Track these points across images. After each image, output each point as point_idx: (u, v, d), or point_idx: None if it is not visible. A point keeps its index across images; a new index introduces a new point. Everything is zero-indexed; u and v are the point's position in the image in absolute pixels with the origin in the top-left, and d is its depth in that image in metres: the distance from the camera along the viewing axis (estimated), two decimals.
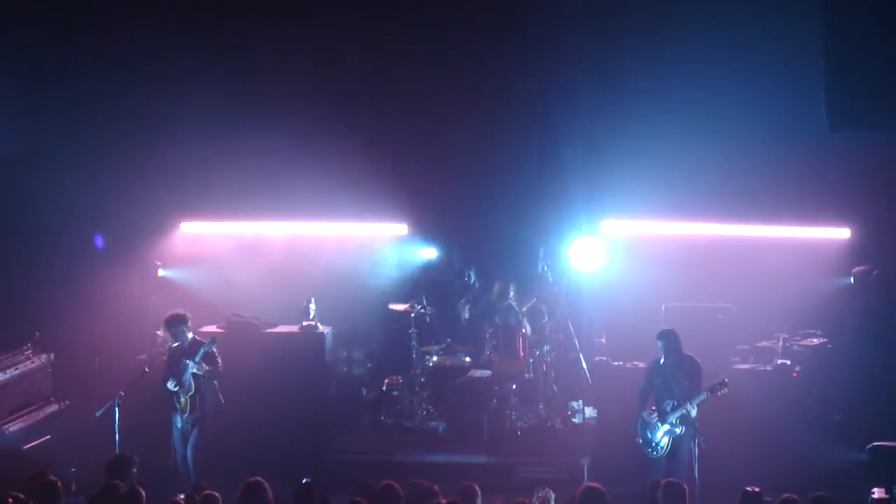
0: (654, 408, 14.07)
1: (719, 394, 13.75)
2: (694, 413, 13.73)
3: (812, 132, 14.88)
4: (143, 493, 10.93)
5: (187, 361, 14.31)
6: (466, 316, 17.19)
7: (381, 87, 17.21)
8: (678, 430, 13.81)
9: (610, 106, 16.68)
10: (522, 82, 17.13)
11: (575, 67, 16.74)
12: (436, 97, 17.05)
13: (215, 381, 14.56)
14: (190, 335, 14.64)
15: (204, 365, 14.35)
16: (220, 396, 14.62)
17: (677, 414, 13.81)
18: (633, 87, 16.51)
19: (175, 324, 14.61)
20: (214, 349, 14.50)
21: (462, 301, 17.25)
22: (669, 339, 14.07)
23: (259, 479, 10.91)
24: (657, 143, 16.11)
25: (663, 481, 11.36)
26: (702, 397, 13.75)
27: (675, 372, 13.94)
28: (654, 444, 13.98)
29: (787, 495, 10.51)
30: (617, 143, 16.44)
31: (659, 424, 13.94)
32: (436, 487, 11.32)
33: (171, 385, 14.37)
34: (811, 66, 13.50)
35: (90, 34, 16.89)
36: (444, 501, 10.96)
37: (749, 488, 10.92)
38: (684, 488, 11.08)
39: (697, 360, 14.13)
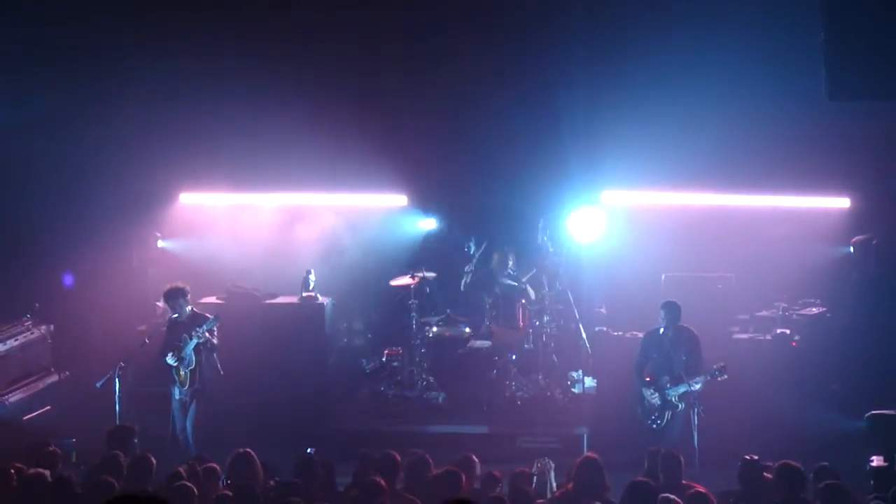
0: (649, 378, 14.10)
1: (718, 379, 13.76)
2: (695, 389, 13.74)
3: (812, 101, 14.84)
4: (153, 461, 11.01)
5: (189, 335, 14.32)
6: (467, 281, 17.16)
7: (379, 59, 17.14)
8: (679, 407, 13.85)
9: (609, 76, 16.58)
10: (521, 50, 17.05)
11: (574, 35, 16.66)
12: (434, 68, 16.98)
13: (214, 355, 14.59)
14: (189, 308, 14.66)
15: (207, 335, 14.37)
16: (220, 368, 14.67)
17: (677, 391, 13.83)
18: (633, 56, 16.39)
19: (173, 297, 14.63)
20: (215, 327, 14.55)
21: (466, 268, 17.21)
22: (673, 310, 14.08)
23: (248, 450, 10.98)
24: (657, 113, 16.03)
25: (662, 450, 11.44)
26: (699, 382, 13.73)
27: (674, 344, 13.96)
28: (653, 417, 14.02)
29: (785, 462, 10.56)
30: (617, 113, 16.32)
31: (658, 398, 13.97)
32: (427, 457, 11.35)
33: (170, 360, 14.42)
34: (810, 35, 13.46)
35: (91, 4, 16.84)
36: (438, 471, 11.01)
37: (748, 456, 10.98)
38: (680, 458, 11.16)
39: (695, 331, 14.15)
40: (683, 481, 10.91)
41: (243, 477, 10.76)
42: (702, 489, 10.53)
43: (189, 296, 14.71)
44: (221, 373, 14.69)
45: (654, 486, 10.09)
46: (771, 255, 16.23)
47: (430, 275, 16.91)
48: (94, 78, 16.95)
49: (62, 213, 17.16)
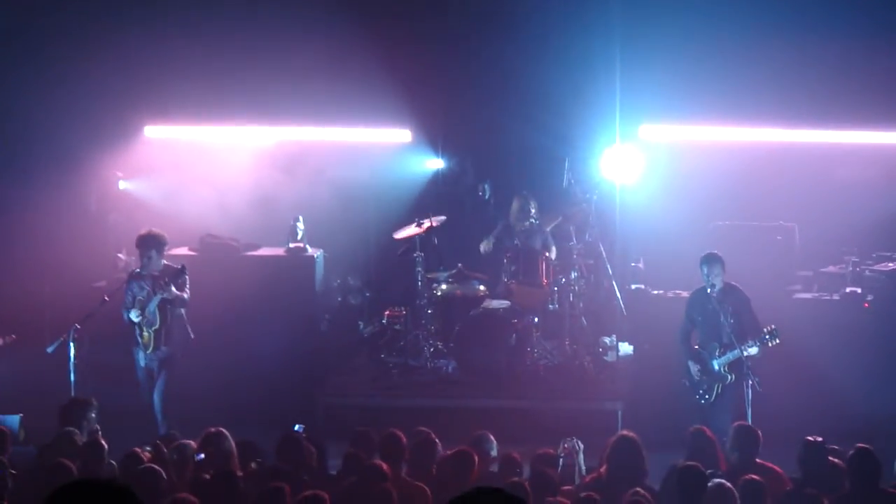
0: (696, 346, 14.00)
1: (770, 345, 13.63)
2: (748, 354, 13.62)
3: (892, 21, 14.75)
4: (105, 445, 10.96)
5: (154, 290, 14.23)
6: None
7: None
8: (729, 378, 13.72)
9: None
10: None
11: None
12: None
13: (183, 313, 14.52)
14: (162, 262, 14.54)
15: (174, 290, 14.27)
16: (189, 330, 14.59)
17: (726, 359, 13.70)
18: None
19: (148, 245, 14.49)
20: (187, 277, 14.46)
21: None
22: (715, 264, 13.94)
23: (220, 429, 10.93)
24: (705, 34, 15.96)
25: (705, 431, 11.38)
26: (752, 346, 13.60)
27: (721, 305, 13.82)
28: (702, 390, 13.91)
29: (860, 446, 10.46)
30: (658, 30, 16.27)
31: (706, 368, 13.86)
32: (434, 438, 11.29)
33: (134, 315, 14.32)
34: None
35: None
36: (448, 452, 10.96)
37: (811, 437, 10.90)
38: (759, 434, 11.12)
39: (742, 289, 14.00)
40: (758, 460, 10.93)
41: (215, 461, 10.70)
42: (778, 470, 10.55)
43: (166, 247, 14.63)
44: (192, 335, 14.62)
45: (704, 472, 10.01)
46: (840, 202, 16.21)
47: (440, 219, 16.76)
48: None
49: (6, 147, 17.05)
